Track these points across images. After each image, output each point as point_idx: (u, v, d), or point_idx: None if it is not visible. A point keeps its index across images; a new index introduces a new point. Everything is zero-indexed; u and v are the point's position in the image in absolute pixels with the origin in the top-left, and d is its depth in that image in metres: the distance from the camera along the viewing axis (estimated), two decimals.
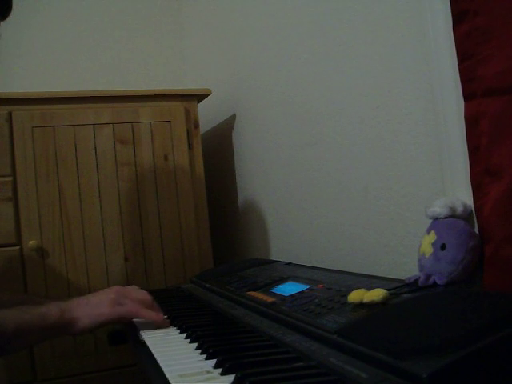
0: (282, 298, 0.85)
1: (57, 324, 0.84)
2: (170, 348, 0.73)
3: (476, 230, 0.76)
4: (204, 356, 0.66)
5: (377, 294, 0.67)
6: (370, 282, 0.80)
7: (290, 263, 1.19)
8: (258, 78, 1.58)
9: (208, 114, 1.92)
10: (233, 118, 1.76)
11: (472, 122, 0.74)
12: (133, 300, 0.90)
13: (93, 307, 0.87)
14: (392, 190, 1.00)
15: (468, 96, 0.75)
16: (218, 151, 1.92)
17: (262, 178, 1.59)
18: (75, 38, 2.13)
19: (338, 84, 1.15)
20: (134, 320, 0.91)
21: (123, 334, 1.05)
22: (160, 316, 0.89)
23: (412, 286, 0.73)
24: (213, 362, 0.62)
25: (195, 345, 0.72)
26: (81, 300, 0.89)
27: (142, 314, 0.88)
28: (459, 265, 0.72)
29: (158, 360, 0.67)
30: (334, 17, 1.15)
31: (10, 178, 1.45)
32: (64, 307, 0.86)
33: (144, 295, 0.94)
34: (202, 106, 1.72)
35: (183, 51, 2.29)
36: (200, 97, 1.67)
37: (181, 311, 0.98)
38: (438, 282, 0.72)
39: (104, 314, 0.87)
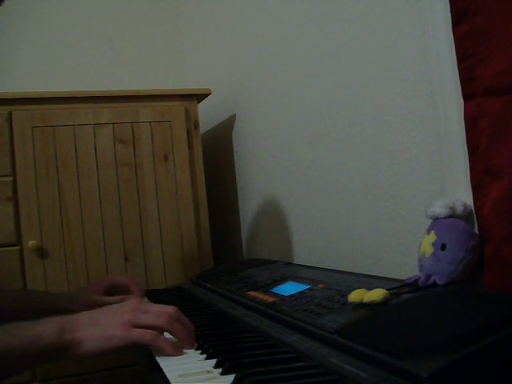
0: (282, 298, 0.85)
1: (54, 346, 0.70)
2: None
3: (476, 229, 0.76)
4: (204, 356, 0.66)
5: (377, 294, 0.67)
6: (370, 282, 0.80)
7: (289, 263, 1.19)
8: (257, 77, 1.58)
9: (208, 114, 1.92)
10: (233, 118, 1.76)
11: (472, 122, 0.74)
12: (153, 315, 0.74)
13: (101, 328, 0.72)
14: (392, 190, 1.00)
15: (468, 96, 0.75)
16: (217, 151, 1.92)
17: (261, 177, 1.59)
18: (75, 38, 2.13)
19: (337, 84, 1.15)
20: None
21: None
22: (183, 338, 0.73)
23: (412, 286, 0.73)
24: (213, 361, 0.62)
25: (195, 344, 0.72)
26: (88, 317, 0.75)
27: (159, 343, 0.71)
28: (459, 265, 0.72)
29: (158, 360, 0.67)
30: (334, 17, 1.14)
31: (10, 178, 1.45)
32: (65, 325, 0.72)
33: (168, 309, 0.77)
34: (201, 106, 1.72)
35: (183, 51, 2.29)
36: (200, 97, 1.67)
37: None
38: (438, 282, 0.72)
39: (115, 338, 0.71)
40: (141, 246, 1.55)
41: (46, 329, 0.71)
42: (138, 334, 0.71)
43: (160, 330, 0.73)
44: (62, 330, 0.71)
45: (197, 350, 0.70)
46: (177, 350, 0.70)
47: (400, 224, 0.98)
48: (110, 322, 0.73)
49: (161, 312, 0.75)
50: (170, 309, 0.76)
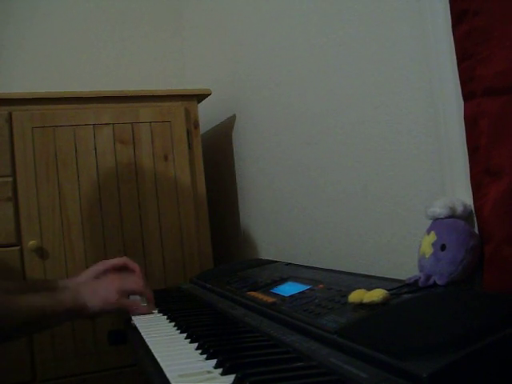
0: (282, 298, 0.85)
1: (71, 308, 0.96)
2: (170, 348, 0.73)
3: (476, 229, 0.76)
4: (204, 356, 0.66)
5: (377, 294, 0.67)
6: (370, 282, 0.80)
7: (290, 263, 1.19)
8: (257, 77, 1.58)
9: (208, 114, 1.92)
10: (233, 118, 1.76)
11: (471, 122, 0.74)
12: (133, 281, 1.05)
13: (101, 294, 0.99)
14: (392, 190, 1.00)
15: (467, 96, 0.75)
16: (217, 151, 1.92)
17: (261, 177, 1.59)
18: (75, 38, 2.13)
19: (337, 84, 1.15)
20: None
21: (123, 334, 1.05)
22: (152, 300, 1.06)
23: (412, 286, 0.73)
24: (213, 361, 0.62)
25: (195, 345, 0.71)
26: (90, 288, 1.01)
27: (140, 311, 1.02)
28: (459, 265, 0.72)
29: (158, 360, 0.67)
30: (334, 17, 1.15)
31: (10, 179, 1.45)
32: (76, 294, 0.98)
33: (140, 280, 1.07)
34: (202, 106, 1.72)
35: (183, 51, 2.29)
36: (200, 97, 1.67)
37: (181, 311, 0.98)
38: (438, 282, 0.72)
39: (109, 303, 0.99)
40: (141, 245, 1.55)
41: (66, 295, 0.97)
42: (127, 303, 1.01)
43: (140, 293, 1.04)
44: (75, 297, 0.97)
45: (197, 349, 0.70)
46: (151, 310, 1.02)
47: (400, 224, 0.98)
48: (105, 290, 1.00)
49: (137, 280, 1.06)
50: (141, 280, 1.07)
